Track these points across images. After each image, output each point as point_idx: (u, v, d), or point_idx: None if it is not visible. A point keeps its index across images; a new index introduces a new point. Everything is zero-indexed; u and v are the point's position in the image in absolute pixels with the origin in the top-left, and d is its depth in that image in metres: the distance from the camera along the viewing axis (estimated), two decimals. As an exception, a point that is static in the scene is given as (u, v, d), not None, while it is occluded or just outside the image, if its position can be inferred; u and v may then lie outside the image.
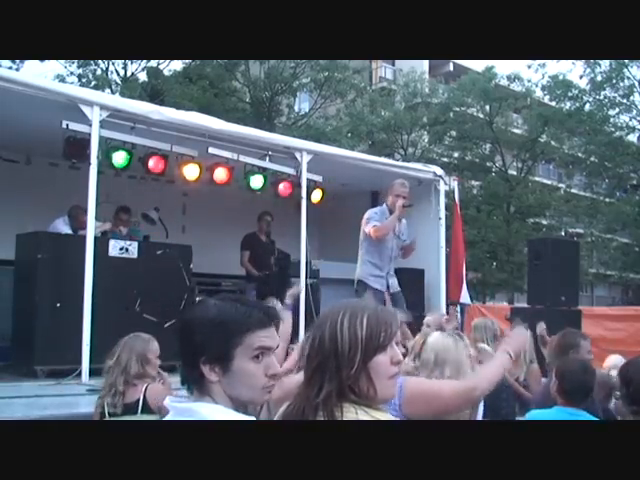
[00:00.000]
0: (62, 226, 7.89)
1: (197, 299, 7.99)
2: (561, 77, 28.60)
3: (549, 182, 35.14)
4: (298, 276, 8.58)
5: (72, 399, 5.67)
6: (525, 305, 9.71)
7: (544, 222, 31.96)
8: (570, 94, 28.72)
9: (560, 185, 34.74)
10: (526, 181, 31.04)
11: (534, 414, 3.95)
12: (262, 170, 8.72)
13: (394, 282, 7.77)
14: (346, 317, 1.92)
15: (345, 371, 1.88)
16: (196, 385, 1.81)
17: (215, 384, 1.78)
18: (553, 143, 29.95)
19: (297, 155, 8.76)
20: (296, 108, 29.18)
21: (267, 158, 8.73)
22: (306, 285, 8.69)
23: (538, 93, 30.29)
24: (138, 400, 4.07)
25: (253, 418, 1.83)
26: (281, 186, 8.91)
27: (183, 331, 1.83)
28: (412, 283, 9.93)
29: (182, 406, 1.81)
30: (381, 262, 7.62)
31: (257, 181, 8.67)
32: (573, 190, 33.04)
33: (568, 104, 28.99)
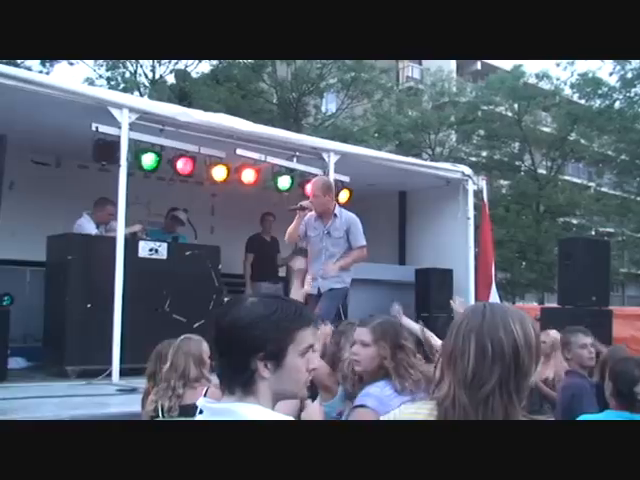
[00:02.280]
0: (86, 224, 7.91)
1: (225, 299, 8.02)
2: (590, 75, 28.30)
3: (579, 181, 34.81)
4: (326, 277, 8.57)
5: (102, 399, 5.72)
6: (555, 305, 9.61)
7: (574, 221, 31.66)
8: (600, 92, 28.42)
9: (590, 184, 34.40)
10: (555, 180, 30.74)
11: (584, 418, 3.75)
12: (289, 171, 8.73)
13: (325, 284, 6.95)
14: (517, 323, 1.79)
15: (524, 383, 1.77)
16: (243, 384, 1.79)
17: (264, 381, 1.78)
18: (583, 141, 29.65)
19: (324, 156, 8.76)
20: (323, 109, 29.16)
21: (294, 159, 8.74)
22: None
23: (567, 91, 30.01)
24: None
25: (292, 418, 1.84)
26: (308, 186, 8.91)
27: (235, 329, 1.79)
28: (440, 284, 9.91)
29: (220, 406, 1.79)
30: (312, 265, 7.06)
31: (285, 182, 8.68)
32: (603, 189, 32.70)
33: (598, 102, 28.68)
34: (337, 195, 9.03)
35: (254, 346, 1.77)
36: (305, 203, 7.00)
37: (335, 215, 7.09)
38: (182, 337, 4.26)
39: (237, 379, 1.79)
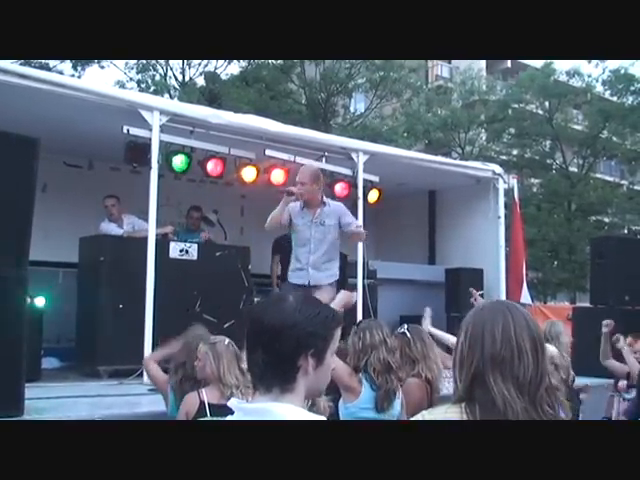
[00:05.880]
0: (105, 225, 8.06)
1: (255, 299, 8.06)
2: (622, 71, 27.91)
3: (611, 179, 34.33)
4: (355, 276, 8.57)
5: (134, 399, 5.77)
6: (587, 305, 9.51)
7: (606, 220, 31.27)
8: (632, 88, 28.00)
9: (622, 182, 33.93)
10: (587, 178, 30.35)
11: None
12: (319, 171, 8.73)
13: (317, 275, 6.59)
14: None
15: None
16: (284, 381, 1.78)
17: (305, 378, 1.78)
18: (615, 139, 29.23)
19: (353, 156, 8.76)
20: (352, 109, 29.10)
21: (323, 159, 8.75)
22: (363, 286, 8.68)
23: (599, 88, 29.62)
24: None
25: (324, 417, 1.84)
26: (338, 187, 8.90)
27: (287, 326, 1.78)
28: (471, 283, 9.82)
29: (254, 406, 1.78)
30: (299, 254, 6.68)
31: (314, 182, 8.68)
32: (636, 187, 32.24)
33: (630, 98, 28.28)
34: (366, 195, 9.02)
35: (306, 343, 1.78)
36: (292, 189, 6.57)
37: (324, 203, 6.70)
38: (226, 342, 4.16)
39: (279, 376, 1.78)
